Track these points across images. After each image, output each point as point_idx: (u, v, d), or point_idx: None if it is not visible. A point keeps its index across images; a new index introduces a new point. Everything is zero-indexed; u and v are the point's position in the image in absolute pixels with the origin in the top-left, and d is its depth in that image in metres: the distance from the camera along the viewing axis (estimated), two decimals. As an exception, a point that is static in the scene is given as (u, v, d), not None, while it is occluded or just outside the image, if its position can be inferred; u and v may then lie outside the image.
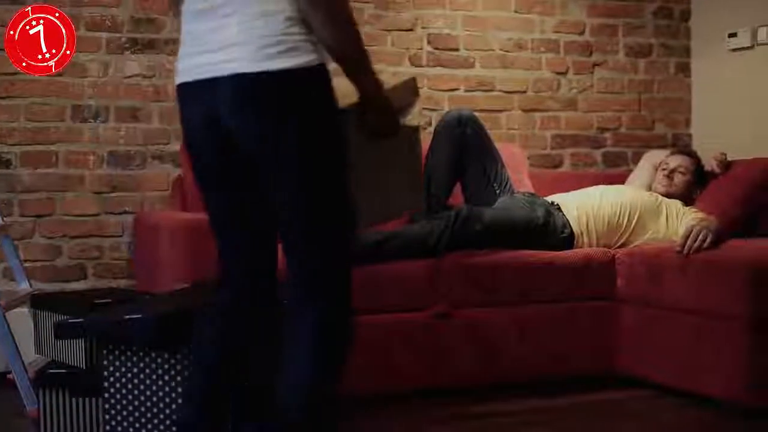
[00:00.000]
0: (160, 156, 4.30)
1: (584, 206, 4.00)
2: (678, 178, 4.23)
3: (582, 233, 3.96)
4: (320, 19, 2.10)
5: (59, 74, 4.13)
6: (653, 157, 4.53)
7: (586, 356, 3.84)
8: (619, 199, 4.03)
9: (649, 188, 4.30)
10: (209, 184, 2.33)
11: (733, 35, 4.94)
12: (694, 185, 4.26)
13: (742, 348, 3.35)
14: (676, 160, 4.29)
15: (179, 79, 2.26)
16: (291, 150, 2.13)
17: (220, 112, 2.14)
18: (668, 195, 4.18)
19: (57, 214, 4.16)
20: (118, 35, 4.23)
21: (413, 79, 2.69)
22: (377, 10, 4.67)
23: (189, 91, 2.23)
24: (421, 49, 4.75)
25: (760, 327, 3.33)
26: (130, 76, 4.26)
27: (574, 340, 3.81)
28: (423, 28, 4.76)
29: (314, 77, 2.14)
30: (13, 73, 4.08)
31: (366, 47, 2.21)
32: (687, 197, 4.22)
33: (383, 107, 2.29)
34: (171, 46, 4.29)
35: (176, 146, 4.25)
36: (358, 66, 2.21)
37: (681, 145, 4.90)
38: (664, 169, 4.28)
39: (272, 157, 2.14)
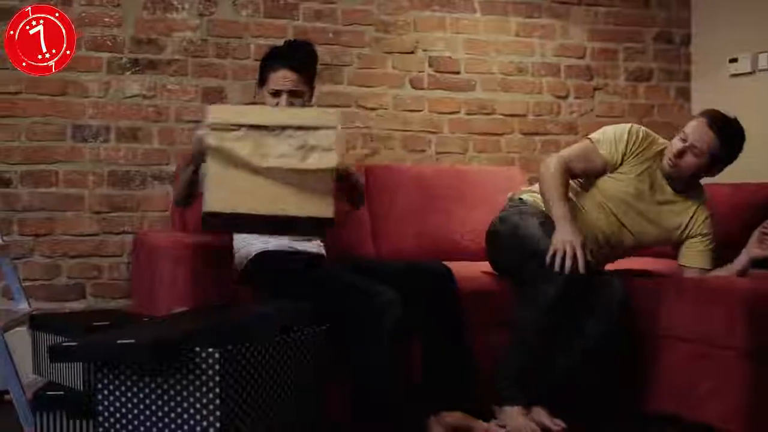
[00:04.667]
0: (159, 176, 4.31)
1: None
2: (689, 159, 3.66)
3: None
4: None
5: (61, 94, 4.14)
6: None
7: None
8: (640, 232, 3.80)
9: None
10: None
11: (733, 61, 4.96)
12: (702, 171, 3.73)
13: (740, 377, 3.33)
14: (695, 135, 3.65)
15: None
16: None
17: None
18: (669, 176, 3.74)
19: (56, 233, 4.16)
20: (119, 55, 4.25)
21: None
22: (378, 32, 4.69)
23: None
24: (422, 71, 4.77)
25: (756, 357, 3.32)
26: (130, 97, 4.27)
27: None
28: (424, 50, 4.77)
29: None
30: (14, 92, 4.09)
31: None
32: (689, 178, 3.75)
33: None
34: (173, 66, 4.31)
35: (175, 166, 4.26)
36: None
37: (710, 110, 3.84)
38: (680, 140, 3.69)
39: None
